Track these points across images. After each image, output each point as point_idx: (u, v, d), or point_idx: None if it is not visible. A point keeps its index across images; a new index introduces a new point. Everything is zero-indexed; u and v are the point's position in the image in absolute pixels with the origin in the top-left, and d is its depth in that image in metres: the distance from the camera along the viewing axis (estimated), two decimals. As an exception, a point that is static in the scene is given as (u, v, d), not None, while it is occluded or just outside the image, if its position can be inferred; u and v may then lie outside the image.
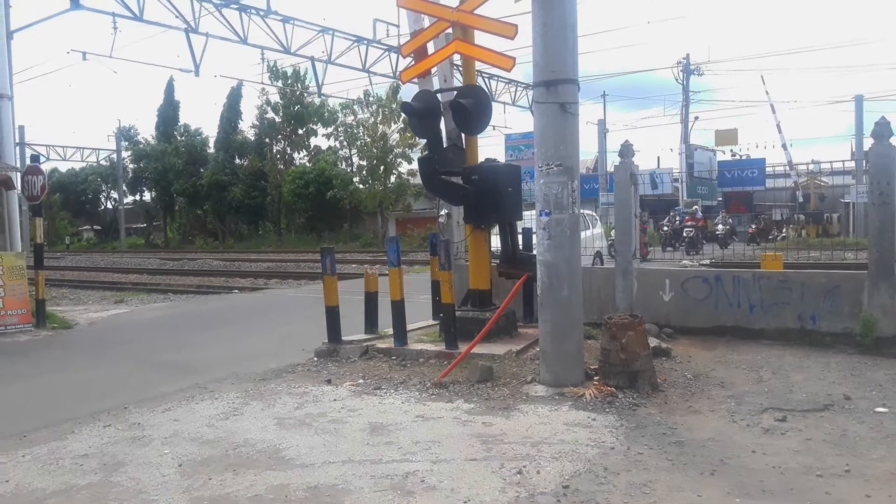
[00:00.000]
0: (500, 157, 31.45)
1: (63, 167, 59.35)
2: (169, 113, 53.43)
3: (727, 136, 39.33)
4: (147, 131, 56.16)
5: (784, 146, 39.18)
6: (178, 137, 52.44)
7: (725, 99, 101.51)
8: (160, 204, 55.19)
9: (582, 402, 5.57)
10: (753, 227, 27.85)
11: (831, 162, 42.82)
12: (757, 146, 43.61)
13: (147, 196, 57.99)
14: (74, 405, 6.24)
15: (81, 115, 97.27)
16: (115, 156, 55.30)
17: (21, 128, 37.44)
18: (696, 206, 27.79)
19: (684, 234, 23.98)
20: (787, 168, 38.84)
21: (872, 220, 7.36)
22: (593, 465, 4.23)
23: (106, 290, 19.89)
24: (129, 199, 59.27)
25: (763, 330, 7.85)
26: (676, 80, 36.73)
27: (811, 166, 39.50)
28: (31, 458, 4.79)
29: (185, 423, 5.48)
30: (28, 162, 15.78)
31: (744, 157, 40.33)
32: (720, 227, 25.95)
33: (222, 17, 18.88)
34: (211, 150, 51.43)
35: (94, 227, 65.78)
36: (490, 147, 45.21)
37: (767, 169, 38.39)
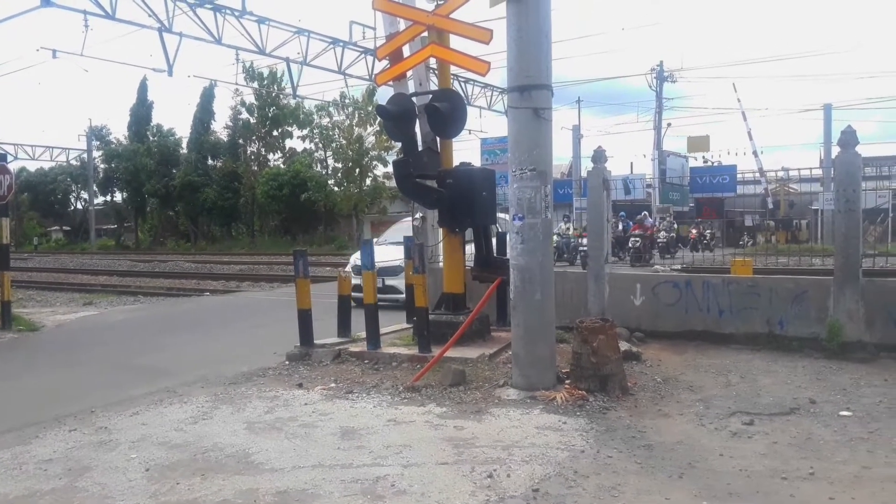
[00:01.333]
0: (476, 161, 31.57)
1: (32, 166, 58.39)
2: (142, 113, 52.75)
3: (699, 143, 39.77)
4: (119, 131, 55.49)
5: (755, 153, 39.76)
6: (151, 138, 51.79)
7: (698, 106, 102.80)
8: (131, 205, 54.43)
9: (553, 405, 5.60)
10: (694, 232, 27.65)
11: (799, 169, 43.67)
12: (728, 153, 44.08)
13: (118, 197, 57.17)
14: (39, 409, 6.12)
15: (51, 113, 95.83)
16: (85, 155, 54.47)
17: (-12, 126, 36.67)
18: (644, 213, 24.38)
19: (630, 244, 21.43)
20: (758, 175, 39.44)
21: (839, 227, 7.50)
22: (563, 469, 4.26)
23: (74, 291, 19.57)
24: (100, 199, 58.44)
25: (732, 334, 7.96)
26: (650, 86, 37.11)
27: (781, 173, 40.22)
28: (-7, 464, 4.70)
29: (153, 427, 5.41)
30: (-5, 161, 15.43)
31: (715, 164, 40.85)
32: (662, 234, 24.14)
33: (196, 17, 18.70)
34: (184, 150, 50.85)
35: (64, 227, 64.71)
36: (466, 151, 45.37)
37: (738, 175, 38.94)
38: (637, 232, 22.01)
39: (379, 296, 12.01)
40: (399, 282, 11.26)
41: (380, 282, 11.31)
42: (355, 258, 13.05)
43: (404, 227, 13.81)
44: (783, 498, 3.81)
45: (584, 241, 18.93)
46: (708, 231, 28.78)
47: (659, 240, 23.63)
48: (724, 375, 6.66)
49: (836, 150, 7.67)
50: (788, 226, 34.52)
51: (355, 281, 12.43)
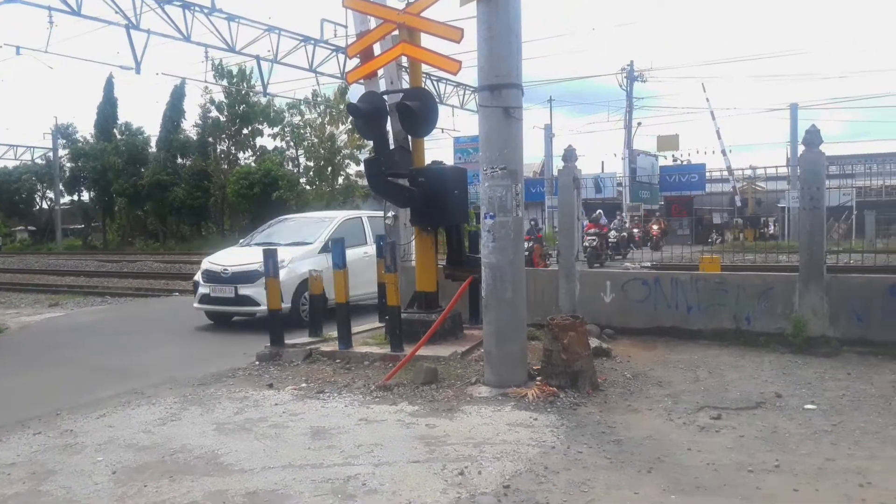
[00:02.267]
0: (449, 160, 31.56)
1: (-5, 165, 57.05)
2: (108, 111, 51.78)
3: (669, 142, 40.24)
4: (86, 129, 54.49)
5: (723, 152, 40.41)
6: (119, 136, 50.91)
7: (667, 105, 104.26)
8: (99, 204, 53.44)
9: (524, 402, 5.63)
10: (656, 228, 27.49)
11: (765, 168, 44.40)
12: (697, 152, 44.90)
13: (85, 196, 56.13)
14: (2, 412, 6.00)
15: (15, 111, 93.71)
16: (50, 154, 53.44)
17: (-51, 124, 35.85)
18: (599, 211, 22.78)
19: (586, 244, 19.43)
20: (727, 173, 40.05)
21: (803, 225, 7.64)
22: (534, 465, 4.28)
23: (40, 292, 19.15)
24: (66, 199, 57.31)
25: (700, 330, 8.07)
26: (620, 86, 37.42)
27: (749, 172, 40.89)
28: (-46, 469, 4.59)
29: (121, 429, 5.33)
30: (-44, 159, 15.11)
31: (685, 163, 41.38)
32: (613, 233, 23.00)
33: (165, 14, 18.47)
34: (153, 149, 50.09)
35: (29, 227, 63.37)
36: (439, 150, 45.23)
37: (707, 174, 39.48)
38: (592, 231, 20.69)
39: (228, 308, 10.62)
40: (256, 290, 10.01)
41: (231, 291, 10.30)
42: (208, 262, 11.09)
43: (288, 228, 12.19)
44: (749, 490, 3.87)
45: (527, 244, 18.92)
46: (655, 226, 28.03)
47: (610, 239, 22.50)
48: (692, 371, 6.75)
49: (801, 149, 7.81)
50: (756, 223, 35.12)
51: (202, 290, 10.69)
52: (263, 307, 9.26)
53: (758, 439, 4.73)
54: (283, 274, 9.73)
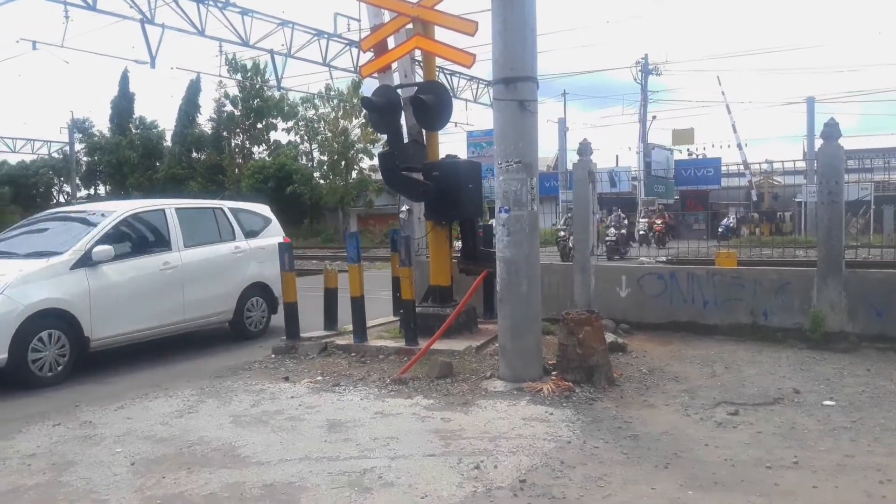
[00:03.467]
0: (462, 154, 31.47)
1: (13, 159, 57.56)
2: (124, 105, 52.16)
3: (684, 136, 39.94)
4: (101, 123, 54.74)
5: (739, 146, 40.00)
6: (134, 130, 51.29)
7: (682, 99, 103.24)
8: (115, 198, 53.91)
9: (540, 396, 5.62)
10: (660, 223, 25.89)
11: (783, 162, 43.97)
12: (713, 145, 44.18)
13: (101, 190, 56.63)
14: (22, 404, 6.08)
15: (32, 106, 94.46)
16: (67, 148, 53.88)
17: (-32, 118, 36.17)
18: None
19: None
20: (742, 167, 39.66)
21: (821, 219, 7.56)
22: (550, 459, 4.27)
23: (57, 285, 19.39)
24: (83, 192, 57.77)
25: (717, 325, 8.02)
26: (635, 79, 37.09)
27: (765, 166, 40.48)
28: (-25, 459, 4.65)
29: (139, 421, 5.38)
30: (-25, 153, 15.20)
31: (700, 157, 41.04)
32: (612, 230, 20.79)
33: (179, 9, 18.49)
34: (167, 143, 50.43)
35: (46, 221, 64.00)
36: (452, 143, 45.28)
37: (723, 168, 39.14)
38: None
39: None
40: None
41: None
42: None
43: (46, 228, 8.25)
44: (767, 487, 3.84)
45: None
46: (658, 220, 26.04)
47: (608, 237, 20.34)
48: (708, 366, 6.71)
49: (819, 143, 7.72)
50: (772, 218, 34.81)
51: None
52: None
53: (776, 435, 4.70)
54: None
